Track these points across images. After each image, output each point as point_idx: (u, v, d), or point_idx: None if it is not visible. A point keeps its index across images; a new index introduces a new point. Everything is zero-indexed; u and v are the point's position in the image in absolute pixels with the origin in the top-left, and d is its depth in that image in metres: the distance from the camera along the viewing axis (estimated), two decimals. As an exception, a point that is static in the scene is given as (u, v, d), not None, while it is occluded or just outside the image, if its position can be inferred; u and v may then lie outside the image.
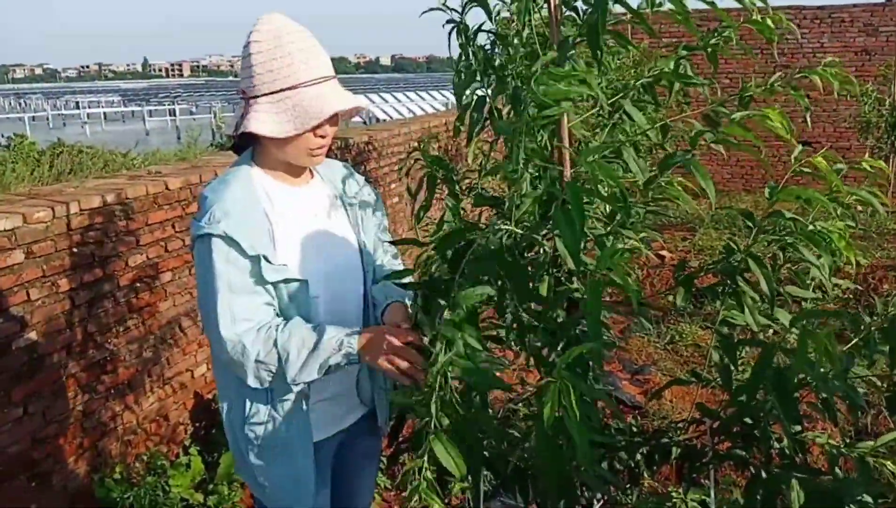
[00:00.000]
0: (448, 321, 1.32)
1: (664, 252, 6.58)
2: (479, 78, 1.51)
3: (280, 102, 1.47)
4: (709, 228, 7.21)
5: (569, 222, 1.11)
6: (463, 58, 1.51)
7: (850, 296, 4.94)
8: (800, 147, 1.31)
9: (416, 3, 1.69)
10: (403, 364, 1.44)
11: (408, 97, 28.01)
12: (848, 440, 1.47)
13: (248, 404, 1.58)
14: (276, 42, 1.47)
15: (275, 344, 1.45)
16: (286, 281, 1.51)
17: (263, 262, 1.46)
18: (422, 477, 1.19)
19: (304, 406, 1.60)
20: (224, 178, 1.55)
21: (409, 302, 1.65)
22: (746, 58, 9.07)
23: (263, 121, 1.48)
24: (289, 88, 1.47)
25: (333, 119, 1.54)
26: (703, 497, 1.77)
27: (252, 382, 1.48)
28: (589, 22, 1.22)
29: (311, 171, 1.69)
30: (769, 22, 1.37)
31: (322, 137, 1.54)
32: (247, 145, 1.61)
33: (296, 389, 1.55)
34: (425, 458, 1.22)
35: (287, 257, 1.54)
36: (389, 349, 1.45)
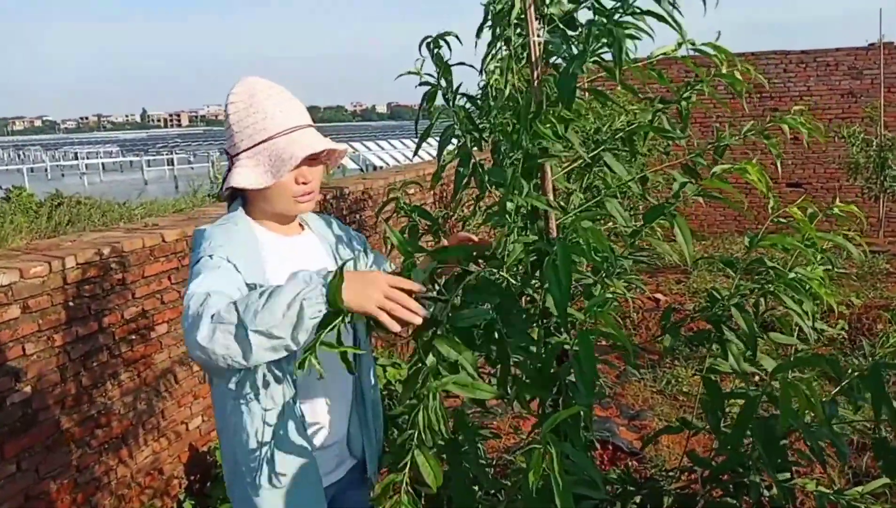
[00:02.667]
0: (443, 337, 1.27)
1: (659, 295, 6.60)
2: (460, 135, 1.56)
3: (258, 155, 1.54)
4: (703, 271, 7.25)
5: (557, 279, 1.14)
6: (437, 115, 1.57)
7: (844, 337, 4.95)
8: (773, 199, 1.34)
9: (413, 52, 1.74)
10: (403, 313, 1.29)
11: (403, 144, 28.34)
12: (845, 483, 1.48)
13: (248, 442, 1.55)
14: (250, 100, 1.55)
15: (235, 303, 1.29)
16: None
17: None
18: (403, 491, 1.18)
19: (307, 444, 1.57)
20: (222, 221, 1.60)
21: None
22: (735, 102, 9.25)
23: (243, 175, 1.54)
24: (265, 141, 1.53)
25: (312, 163, 1.58)
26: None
27: (204, 340, 1.27)
28: (562, 82, 1.27)
29: (300, 224, 1.73)
30: (737, 74, 1.42)
31: (304, 183, 1.58)
32: (237, 199, 1.66)
33: (257, 360, 1.31)
34: (406, 471, 1.21)
35: None
36: (384, 293, 1.29)
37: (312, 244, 1.72)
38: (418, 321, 1.31)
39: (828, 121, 9.32)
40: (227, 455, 1.64)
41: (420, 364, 1.31)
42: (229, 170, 1.59)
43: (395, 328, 1.30)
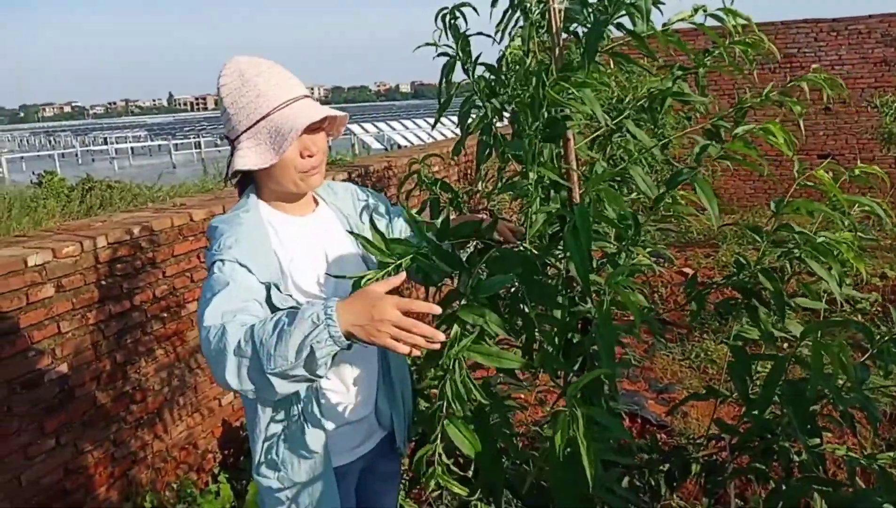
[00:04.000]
0: (467, 306, 1.24)
1: (687, 269, 6.54)
2: (479, 105, 1.55)
3: (257, 134, 1.50)
4: (732, 243, 7.16)
5: (577, 244, 1.13)
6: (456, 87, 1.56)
7: (878, 309, 4.87)
8: (797, 163, 1.32)
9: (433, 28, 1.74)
10: (422, 342, 1.24)
11: (427, 123, 28.23)
12: (876, 451, 1.46)
13: (265, 437, 1.60)
14: (240, 80, 1.50)
15: (252, 334, 1.28)
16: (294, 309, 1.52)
17: (273, 290, 1.47)
18: (437, 462, 1.17)
19: (323, 439, 1.59)
20: (233, 212, 1.58)
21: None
22: (764, 73, 9.06)
23: (246, 156, 1.50)
24: (262, 118, 1.49)
25: (315, 133, 1.55)
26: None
27: (234, 382, 1.29)
28: (587, 41, 1.26)
29: (314, 199, 1.72)
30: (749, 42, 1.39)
31: (309, 155, 1.54)
32: (248, 184, 1.65)
33: (283, 393, 1.32)
34: (438, 443, 1.20)
35: (296, 290, 1.56)
36: (395, 323, 1.23)
37: (326, 222, 1.70)
38: (435, 347, 1.26)
39: (860, 90, 9.10)
40: (251, 433, 1.67)
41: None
42: (232, 155, 1.54)
43: (415, 354, 1.27)
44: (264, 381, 1.27)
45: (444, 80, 1.67)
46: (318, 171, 1.58)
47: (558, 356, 1.50)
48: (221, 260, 1.46)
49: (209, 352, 1.33)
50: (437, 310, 1.28)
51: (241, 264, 1.45)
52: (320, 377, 1.29)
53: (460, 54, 1.59)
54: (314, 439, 1.59)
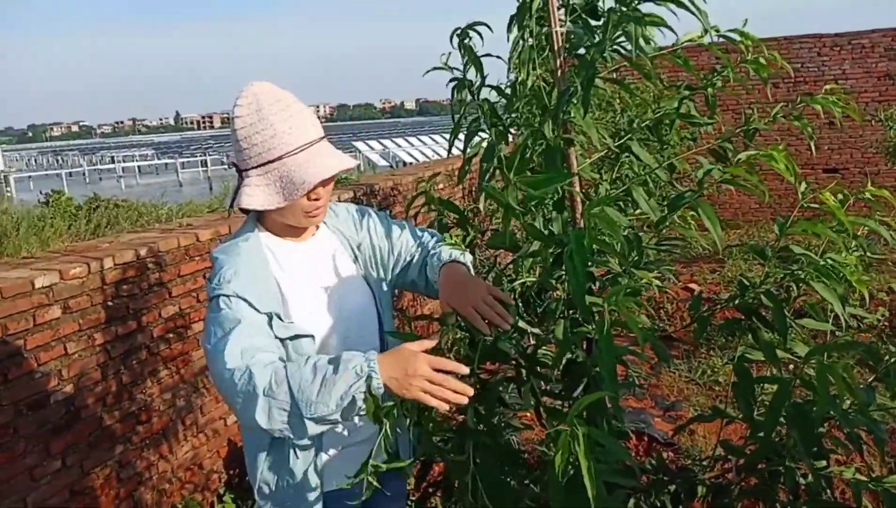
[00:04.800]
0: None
1: (693, 285, 6.53)
2: (485, 128, 1.56)
3: (268, 175, 1.49)
4: (738, 259, 7.14)
5: (573, 268, 1.14)
6: (463, 109, 1.57)
7: (885, 325, 4.85)
8: (804, 184, 1.32)
9: (439, 48, 1.76)
10: (451, 396, 1.32)
11: (433, 140, 28.36)
12: (886, 473, 1.45)
13: (261, 460, 1.61)
14: (257, 115, 1.48)
15: (286, 376, 1.34)
16: (295, 337, 1.52)
17: (275, 320, 1.49)
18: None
19: (316, 464, 1.60)
20: (233, 240, 1.59)
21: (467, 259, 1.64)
22: (766, 89, 9.07)
23: (253, 194, 1.50)
24: (275, 160, 1.48)
25: (324, 183, 1.54)
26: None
27: (264, 422, 1.34)
28: (581, 70, 1.27)
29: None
30: (763, 61, 1.40)
31: (316, 199, 1.55)
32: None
33: (313, 434, 1.40)
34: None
35: (298, 315, 1.56)
36: (426, 378, 1.31)
37: (327, 247, 1.71)
38: (465, 401, 1.33)
39: (864, 104, 9.10)
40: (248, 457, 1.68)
41: None
42: (239, 185, 1.54)
43: (444, 408, 1.33)
44: (299, 424, 1.33)
45: (454, 100, 1.68)
46: (323, 211, 1.59)
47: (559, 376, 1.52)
48: (223, 295, 1.47)
49: (235, 393, 1.36)
50: (465, 370, 1.35)
51: (242, 298, 1.46)
52: (351, 421, 1.36)
53: (468, 76, 1.60)
54: (304, 465, 1.59)
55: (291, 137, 1.48)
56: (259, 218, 1.64)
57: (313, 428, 1.34)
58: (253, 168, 1.50)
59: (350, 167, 1.59)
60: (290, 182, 1.48)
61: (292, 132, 1.48)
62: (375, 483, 1.37)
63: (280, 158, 1.48)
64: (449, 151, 1.85)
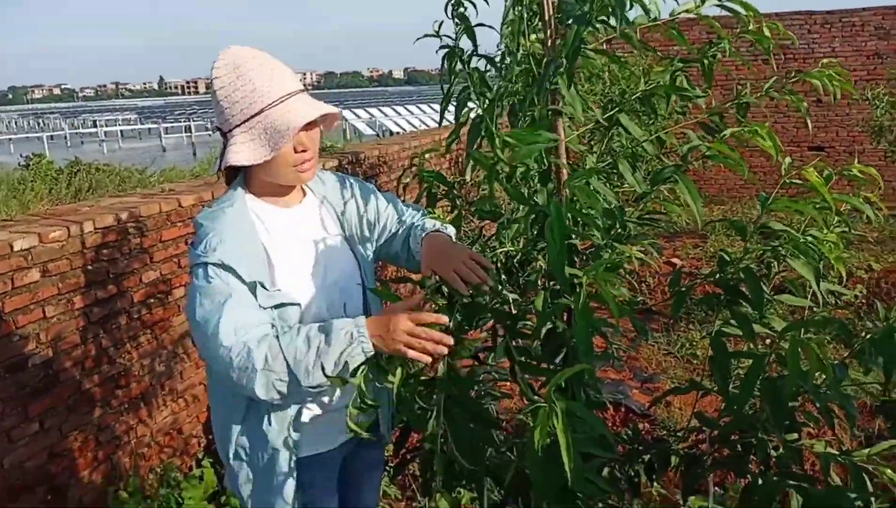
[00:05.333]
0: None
1: (675, 260, 6.57)
2: (475, 98, 1.55)
3: (252, 130, 1.49)
4: (720, 235, 7.19)
5: (553, 240, 1.14)
6: (453, 78, 1.56)
7: (862, 302, 4.92)
8: (788, 159, 1.32)
9: (429, 15, 1.73)
10: (429, 346, 1.39)
11: (420, 109, 28.16)
12: (857, 445, 1.48)
13: (235, 424, 1.62)
14: (235, 73, 1.48)
15: (280, 348, 1.40)
16: (281, 306, 1.52)
17: (259, 288, 1.48)
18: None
19: (289, 428, 1.61)
20: (218, 206, 1.58)
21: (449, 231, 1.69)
22: (758, 64, 9.06)
23: (240, 151, 1.50)
24: (257, 114, 1.48)
25: (309, 131, 1.54)
26: (703, 504, 1.79)
27: (263, 394, 1.40)
28: (568, 44, 1.26)
29: (302, 189, 1.71)
30: (766, 32, 1.39)
31: (303, 150, 1.54)
32: (236, 175, 1.64)
33: (299, 399, 1.52)
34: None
35: (284, 281, 1.56)
36: (407, 331, 1.39)
37: (313, 213, 1.71)
38: (444, 351, 1.40)
39: (853, 83, 9.12)
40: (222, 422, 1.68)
41: None
42: (224, 147, 1.53)
43: (426, 359, 1.40)
44: (297, 391, 1.43)
45: (444, 69, 1.66)
46: (312, 165, 1.59)
47: (539, 346, 1.53)
48: (210, 263, 1.46)
49: (231, 368, 1.41)
50: (445, 320, 1.42)
51: (230, 268, 1.46)
52: (345, 384, 1.41)
53: (460, 45, 1.58)
54: (278, 430, 1.60)
55: (271, 89, 1.49)
56: (246, 182, 1.63)
57: (310, 393, 1.49)
58: (237, 126, 1.50)
59: (334, 112, 1.59)
60: (275, 131, 1.48)
61: (272, 84, 1.49)
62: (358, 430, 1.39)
63: (262, 110, 1.48)
64: (440, 121, 1.84)
